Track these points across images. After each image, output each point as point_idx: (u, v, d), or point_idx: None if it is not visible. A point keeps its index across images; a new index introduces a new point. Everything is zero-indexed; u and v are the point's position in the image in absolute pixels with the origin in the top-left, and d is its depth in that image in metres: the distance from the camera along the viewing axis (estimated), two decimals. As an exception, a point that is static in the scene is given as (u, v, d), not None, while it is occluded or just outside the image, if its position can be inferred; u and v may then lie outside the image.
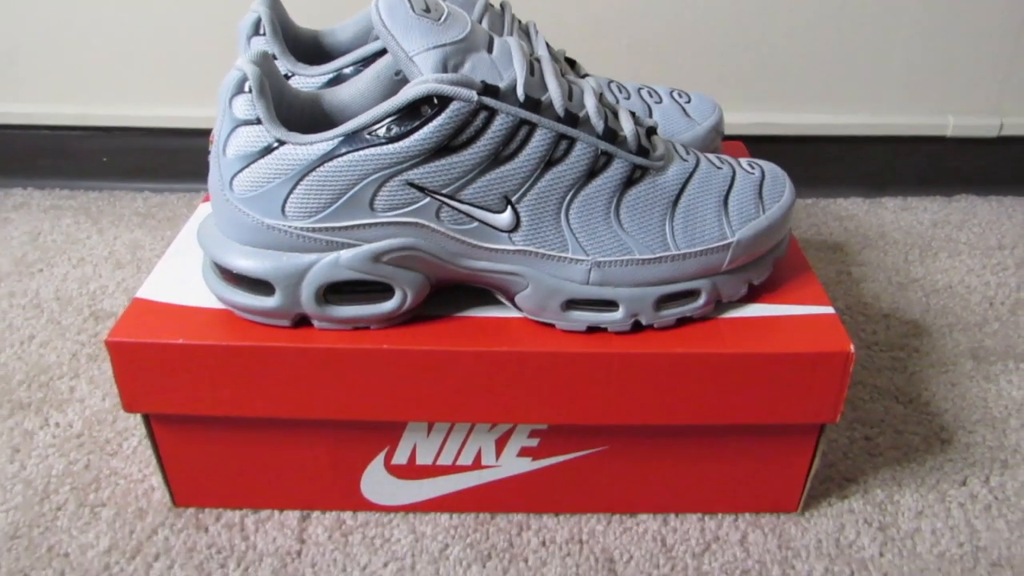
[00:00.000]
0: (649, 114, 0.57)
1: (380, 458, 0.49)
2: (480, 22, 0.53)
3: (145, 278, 0.64)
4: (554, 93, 0.41)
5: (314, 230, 0.41)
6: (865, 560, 0.48)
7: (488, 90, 0.39)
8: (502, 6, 0.57)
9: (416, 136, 0.39)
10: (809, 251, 0.81)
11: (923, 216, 0.88)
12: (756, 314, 0.46)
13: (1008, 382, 0.63)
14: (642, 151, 0.43)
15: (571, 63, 0.59)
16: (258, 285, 0.43)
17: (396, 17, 0.39)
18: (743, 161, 0.48)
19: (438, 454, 0.49)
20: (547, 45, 0.56)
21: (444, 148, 0.39)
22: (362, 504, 0.50)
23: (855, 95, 0.89)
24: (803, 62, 0.87)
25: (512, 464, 0.49)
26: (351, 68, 0.51)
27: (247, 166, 0.40)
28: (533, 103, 0.40)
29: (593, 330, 0.45)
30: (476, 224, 0.42)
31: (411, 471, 0.49)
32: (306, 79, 0.51)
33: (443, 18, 0.40)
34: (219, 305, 0.45)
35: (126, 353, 0.43)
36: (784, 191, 0.47)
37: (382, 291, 0.43)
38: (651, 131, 0.45)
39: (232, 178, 0.41)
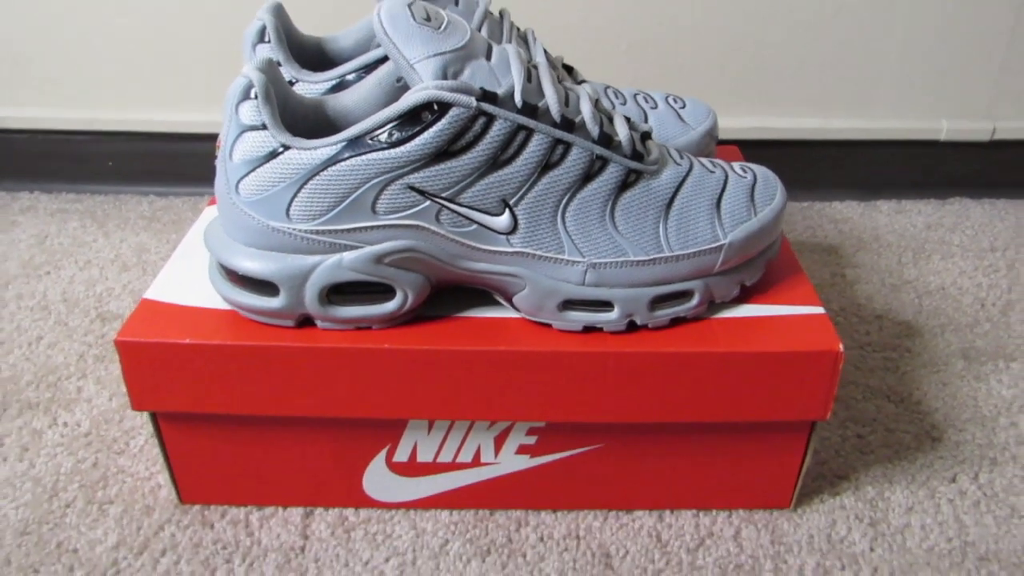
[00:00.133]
0: (644, 119, 0.58)
1: (382, 455, 0.49)
2: (479, 29, 0.54)
3: (150, 280, 0.64)
4: (551, 99, 0.42)
5: (318, 232, 0.42)
6: (856, 555, 0.49)
7: (486, 96, 0.40)
8: (501, 14, 0.57)
9: (417, 141, 0.40)
10: (804, 253, 0.81)
11: (916, 219, 0.88)
12: (748, 314, 0.47)
13: (998, 381, 0.63)
14: (636, 155, 0.44)
15: (568, 69, 0.59)
16: (263, 286, 0.43)
17: (398, 25, 0.40)
18: (736, 165, 0.49)
19: (438, 451, 0.49)
20: (545, 52, 0.56)
21: (444, 153, 0.40)
22: (364, 501, 0.51)
23: (849, 100, 0.90)
24: (798, 67, 0.88)
25: (510, 461, 0.50)
26: (353, 75, 0.51)
27: (253, 170, 0.41)
28: (530, 109, 0.41)
29: (589, 330, 0.45)
30: (475, 227, 0.43)
31: (412, 468, 0.50)
32: (310, 85, 0.52)
33: (443, 27, 0.41)
34: (225, 306, 0.46)
35: (134, 352, 0.44)
36: (776, 194, 0.48)
37: (384, 292, 0.44)
38: (645, 136, 0.46)
39: (238, 182, 0.42)
